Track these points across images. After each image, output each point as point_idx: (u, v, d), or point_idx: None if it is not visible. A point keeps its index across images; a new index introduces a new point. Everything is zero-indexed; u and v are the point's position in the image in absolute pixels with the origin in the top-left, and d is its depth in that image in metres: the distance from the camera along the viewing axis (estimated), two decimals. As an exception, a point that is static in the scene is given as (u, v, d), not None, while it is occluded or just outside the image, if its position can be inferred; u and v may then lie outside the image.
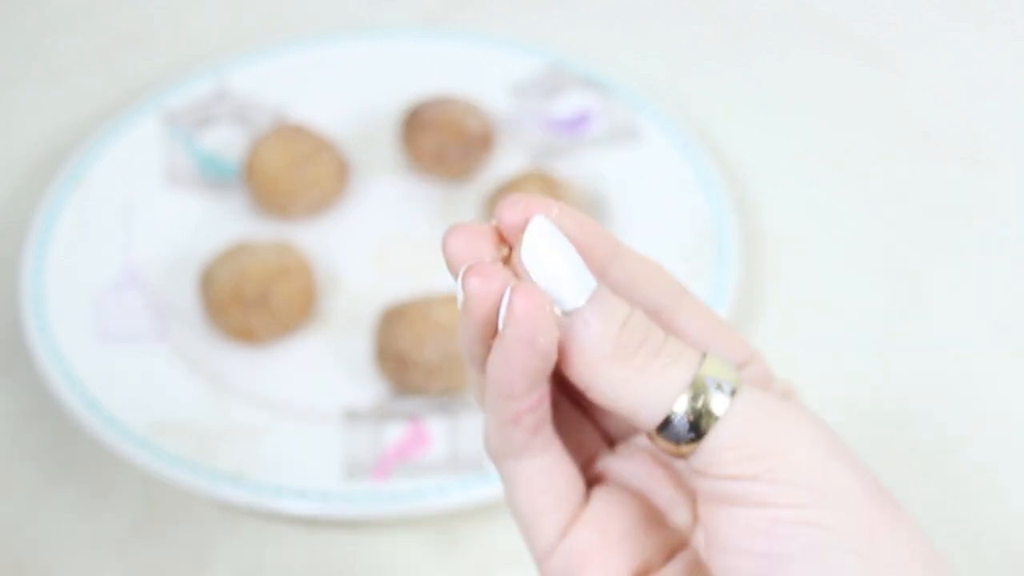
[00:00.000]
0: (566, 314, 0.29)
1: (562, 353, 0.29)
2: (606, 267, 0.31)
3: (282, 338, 0.62)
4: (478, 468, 0.57)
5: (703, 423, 0.29)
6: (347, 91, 0.74)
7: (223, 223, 0.68)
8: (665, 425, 0.29)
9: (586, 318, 0.29)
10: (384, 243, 0.68)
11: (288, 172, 0.66)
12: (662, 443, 0.30)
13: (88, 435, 0.59)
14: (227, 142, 0.71)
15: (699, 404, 0.29)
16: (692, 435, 0.29)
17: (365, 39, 0.76)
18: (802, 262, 0.68)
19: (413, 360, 0.58)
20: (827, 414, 0.64)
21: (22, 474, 0.59)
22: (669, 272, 0.33)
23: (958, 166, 0.73)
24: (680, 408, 0.29)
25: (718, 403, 0.29)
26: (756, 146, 0.73)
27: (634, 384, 0.29)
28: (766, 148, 0.73)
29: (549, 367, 0.30)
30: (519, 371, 0.29)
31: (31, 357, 0.61)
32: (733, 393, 0.29)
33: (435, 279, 0.65)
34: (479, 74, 0.73)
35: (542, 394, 0.31)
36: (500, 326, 0.29)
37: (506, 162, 0.70)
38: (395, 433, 0.59)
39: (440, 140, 0.67)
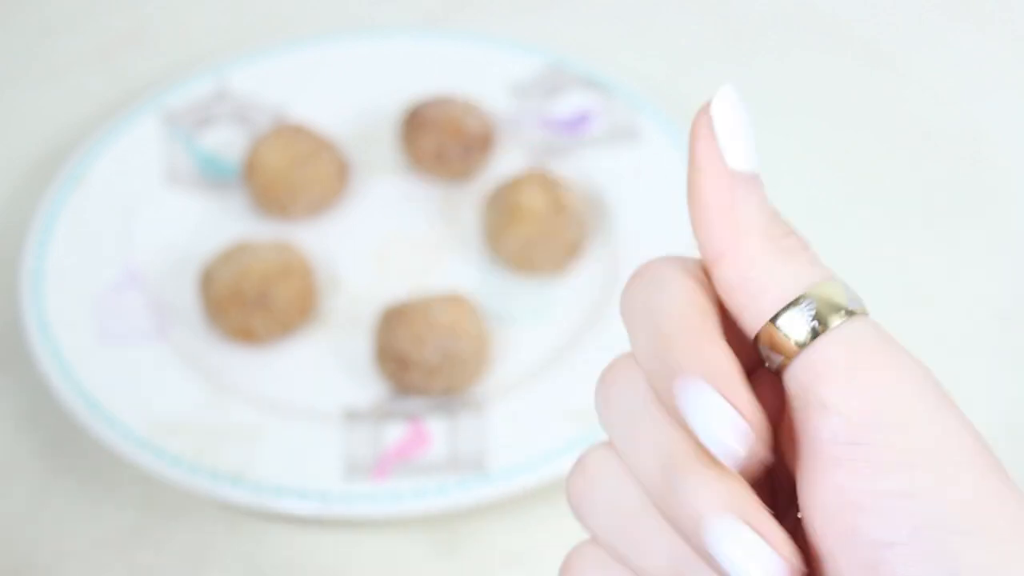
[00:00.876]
0: (733, 172, 0.29)
1: (715, 210, 0.29)
2: None
3: (282, 338, 0.62)
4: (478, 468, 0.57)
5: (818, 329, 0.28)
6: (347, 91, 0.74)
7: (223, 223, 0.68)
8: (776, 320, 0.28)
9: (751, 184, 0.29)
10: (384, 243, 0.68)
11: (288, 172, 0.66)
12: (774, 334, 0.28)
13: (88, 435, 0.59)
14: (227, 142, 0.71)
15: (824, 306, 0.28)
16: (809, 332, 0.28)
17: (365, 39, 0.76)
18: (802, 262, 0.68)
19: (413, 360, 0.58)
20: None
21: (22, 474, 0.59)
22: None
23: (958, 166, 0.73)
24: (795, 309, 0.28)
25: (837, 316, 0.28)
26: (757, 146, 0.73)
27: (774, 261, 0.28)
28: (766, 148, 0.73)
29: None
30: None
31: (31, 357, 0.61)
32: (851, 314, 0.28)
33: (435, 279, 0.65)
34: (479, 74, 0.73)
35: None
36: None
37: (506, 162, 0.70)
38: (395, 433, 0.59)
39: (440, 140, 0.67)
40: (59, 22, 0.81)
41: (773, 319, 0.28)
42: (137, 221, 0.67)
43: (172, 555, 0.57)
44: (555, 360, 0.62)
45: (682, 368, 0.28)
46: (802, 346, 0.28)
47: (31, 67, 0.79)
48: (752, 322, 0.29)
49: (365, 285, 0.65)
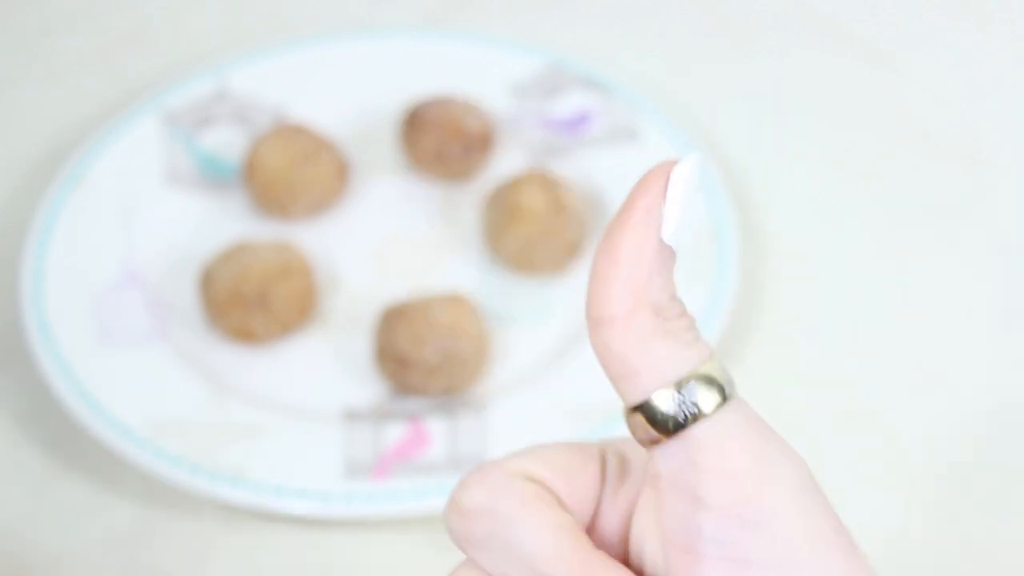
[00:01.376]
0: (658, 240, 0.29)
1: (626, 270, 0.28)
2: None
3: (282, 338, 0.62)
4: (478, 468, 0.57)
5: (695, 413, 0.28)
6: (347, 91, 0.74)
7: (223, 223, 0.68)
8: (652, 401, 0.28)
9: (669, 260, 0.29)
10: (384, 243, 0.68)
11: (288, 172, 0.66)
12: (641, 420, 0.28)
13: (88, 435, 0.59)
14: (227, 142, 0.71)
15: (699, 392, 0.28)
16: (679, 421, 0.28)
17: (365, 39, 0.76)
18: (802, 262, 0.68)
19: (413, 360, 0.58)
20: (827, 414, 0.64)
21: (22, 474, 0.59)
22: None
23: (958, 166, 0.73)
24: (674, 390, 0.28)
25: (711, 401, 0.28)
26: (756, 146, 0.73)
27: (661, 340, 0.28)
28: (766, 148, 0.73)
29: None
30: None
31: (31, 357, 0.61)
32: (726, 399, 0.28)
33: (435, 279, 0.65)
34: (479, 74, 0.73)
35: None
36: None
37: (506, 162, 0.70)
38: (395, 433, 0.59)
39: (440, 140, 0.67)
40: (59, 22, 0.81)
41: (650, 399, 0.28)
42: (137, 221, 0.67)
43: (172, 555, 0.57)
44: (555, 360, 0.62)
45: None
46: (678, 427, 0.28)
47: (31, 67, 0.79)
48: (627, 395, 0.28)
49: (365, 285, 0.65)
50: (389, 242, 0.68)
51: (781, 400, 0.62)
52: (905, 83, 0.77)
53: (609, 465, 0.31)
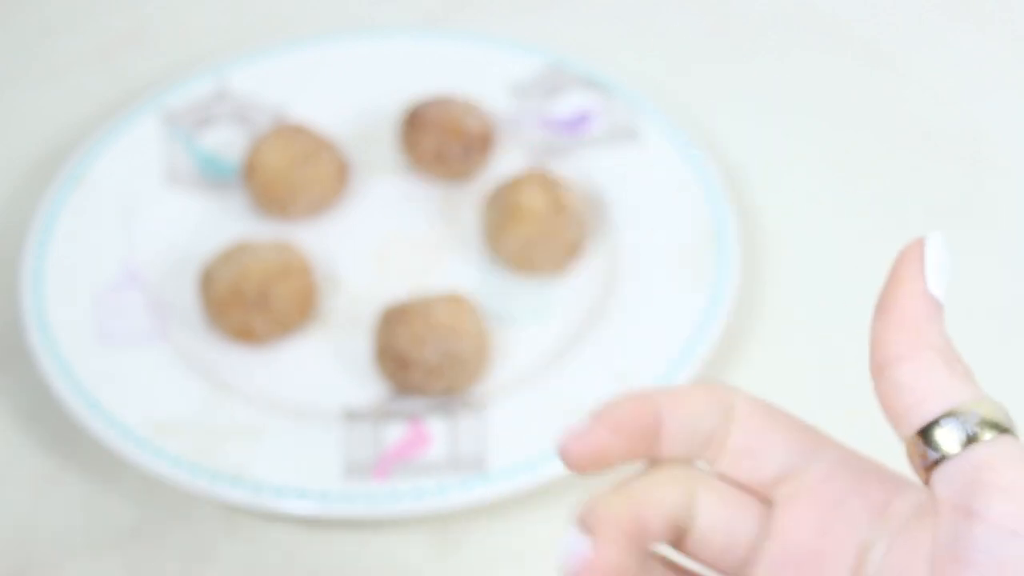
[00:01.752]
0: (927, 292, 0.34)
1: (906, 319, 0.33)
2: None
3: (282, 338, 0.62)
4: (478, 468, 0.57)
5: (973, 438, 0.30)
6: (347, 91, 0.74)
7: (223, 223, 0.68)
8: (936, 426, 0.31)
9: (939, 311, 0.33)
10: (384, 243, 0.68)
11: (288, 172, 0.66)
12: (920, 445, 0.31)
13: (88, 435, 0.59)
14: (227, 142, 0.71)
15: (982, 421, 0.30)
16: (963, 440, 0.30)
17: (365, 39, 0.76)
18: (802, 262, 0.68)
19: (413, 360, 0.58)
20: (828, 413, 0.64)
21: (22, 474, 0.59)
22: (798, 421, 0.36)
23: (958, 166, 0.73)
24: (957, 417, 0.30)
25: (991, 431, 0.30)
26: (756, 146, 0.73)
27: (945, 374, 0.31)
28: (766, 148, 0.73)
29: None
30: None
31: (31, 357, 0.61)
32: (1005, 431, 0.30)
33: (435, 279, 0.65)
34: (479, 74, 0.73)
35: None
36: None
37: (506, 162, 0.70)
38: (395, 433, 0.59)
39: (440, 140, 0.67)
40: (59, 22, 0.81)
41: (934, 423, 0.31)
42: (137, 221, 0.67)
43: (172, 555, 0.57)
44: (555, 360, 0.62)
45: None
46: (954, 454, 0.30)
47: (31, 67, 0.79)
48: (913, 421, 0.31)
49: (365, 285, 0.65)
50: (389, 242, 0.68)
51: (781, 400, 0.62)
52: (905, 83, 0.77)
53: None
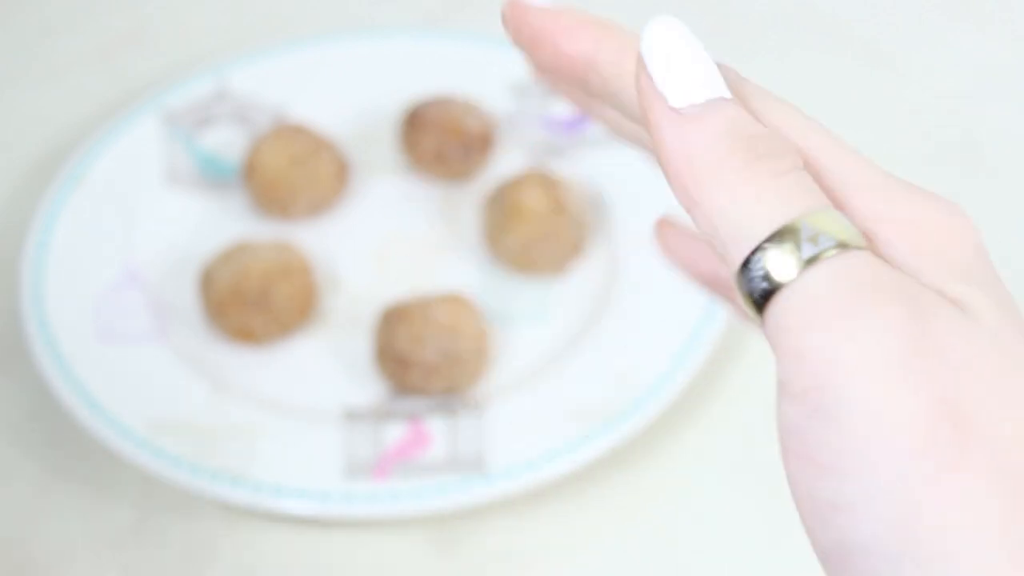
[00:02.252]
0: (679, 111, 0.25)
1: (677, 159, 0.26)
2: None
3: (282, 338, 0.62)
4: (478, 468, 0.57)
5: (772, 285, 0.24)
6: (347, 91, 0.74)
7: (223, 223, 0.68)
8: (739, 278, 0.24)
9: (703, 116, 0.26)
10: (384, 243, 0.68)
11: (288, 172, 0.66)
12: (741, 292, 0.24)
13: (88, 435, 0.59)
14: (227, 142, 0.71)
15: (776, 258, 0.23)
16: (761, 297, 0.24)
17: (365, 39, 0.76)
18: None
19: (413, 360, 0.58)
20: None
21: (22, 474, 0.59)
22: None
23: (958, 166, 0.73)
24: (757, 259, 0.24)
25: (790, 266, 0.23)
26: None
27: (739, 201, 0.24)
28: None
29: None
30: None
31: (31, 357, 0.61)
32: (818, 257, 0.23)
33: (435, 279, 0.65)
34: (479, 74, 0.73)
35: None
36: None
37: (506, 162, 0.70)
38: (395, 433, 0.59)
39: (440, 140, 0.67)
40: (59, 22, 0.81)
41: (738, 275, 0.24)
42: (137, 221, 0.67)
43: (172, 555, 0.57)
44: (555, 360, 0.62)
45: None
46: (761, 305, 0.24)
47: (31, 67, 0.79)
48: (730, 269, 0.25)
49: (365, 285, 0.65)
50: (389, 242, 0.68)
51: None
52: (905, 83, 0.77)
53: None
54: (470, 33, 0.77)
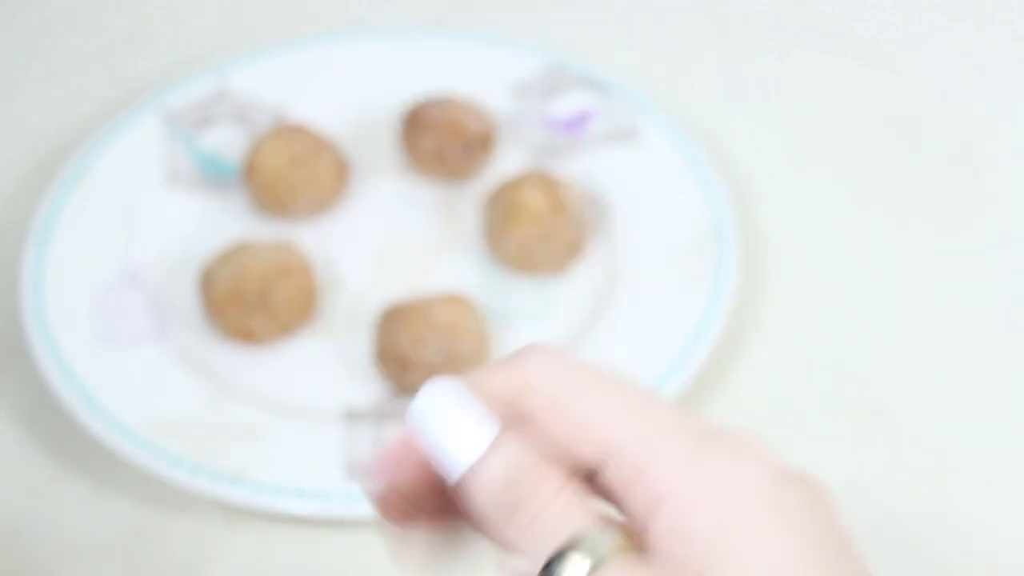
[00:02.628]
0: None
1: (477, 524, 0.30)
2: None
3: (282, 338, 0.62)
4: (478, 468, 0.57)
5: None
6: (347, 91, 0.74)
7: (223, 223, 0.68)
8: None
9: (470, 481, 0.29)
10: (384, 243, 0.68)
11: (288, 172, 0.66)
12: None
13: (88, 435, 0.59)
14: (227, 142, 0.71)
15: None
16: None
17: (365, 39, 0.76)
18: (802, 261, 0.68)
19: (413, 360, 0.58)
20: (828, 413, 0.64)
21: (22, 474, 0.59)
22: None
23: (958, 166, 0.73)
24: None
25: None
26: (756, 146, 0.73)
27: (518, 547, 0.29)
28: (766, 148, 0.73)
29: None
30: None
31: (31, 357, 0.61)
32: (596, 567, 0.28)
33: (435, 279, 0.65)
34: (479, 74, 0.73)
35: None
36: None
37: (506, 162, 0.70)
38: (395, 433, 0.59)
39: (440, 140, 0.67)
40: (59, 22, 0.81)
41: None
42: (137, 221, 0.67)
43: (172, 555, 0.57)
44: (555, 360, 0.62)
45: None
46: None
47: (31, 67, 0.79)
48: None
49: (365, 285, 0.65)
50: (389, 242, 0.68)
51: (781, 399, 0.62)
52: (905, 83, 0.77)
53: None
54: (470, 33, 0.77)
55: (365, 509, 0.56)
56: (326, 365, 0.62)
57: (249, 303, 0.60)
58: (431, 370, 0.58)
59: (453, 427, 0.29)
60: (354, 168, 0.70)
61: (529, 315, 0.64)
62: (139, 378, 0.60)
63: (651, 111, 0.71)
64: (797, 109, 0.76)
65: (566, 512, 0.28)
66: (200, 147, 0.71)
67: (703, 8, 0.82)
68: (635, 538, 0.28)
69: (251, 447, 0.58)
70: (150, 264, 0.66)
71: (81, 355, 0.60)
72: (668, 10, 0.82)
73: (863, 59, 0.78)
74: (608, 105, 0.72)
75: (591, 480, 0.30)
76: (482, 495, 0.29)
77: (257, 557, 0.57)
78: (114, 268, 0.65)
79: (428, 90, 0.70)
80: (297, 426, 0.59)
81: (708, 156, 0.69)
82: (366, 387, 0.61)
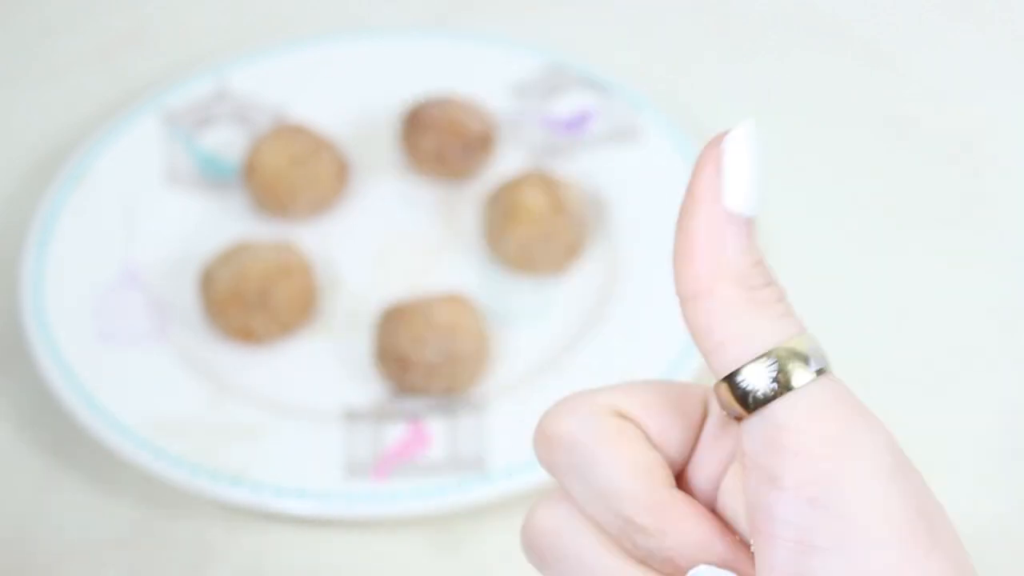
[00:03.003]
0: (727, 211, 0.28)
1: (701, 246, 0.28)
2: None
3: (282, 338, 0.62)
4: (478, 468, 0.57)
5: (778, 389, 0.27)
6: (347, 91, 0.74)
7: (223, 223, 0.67)
8: (737, 375, 0.28)
9: (742, 228, 0.28)
10: (384, 243, 0.68)
11: (288, 172, 0.66)
12: (727, 394, 0.28)
13: (88, 435, 0.59)
14: (227, 142, 0.71)
15: (787, 365, 0.27)
16: (763, 396, 0.27)
17: (365, 39, 0.76)
18: (802, 261, 0.68)
19: (413, 360, 0.58)
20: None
21: (22, 474, 0.59)
22: None
23: (958, 166, 0.73)
24: (758, 364, 0.27)
25: (800, 376, 0.27)
26: (756, 146, 0.73)
27: (745, 312, 0.28)
28: (766, 148, 0.73)
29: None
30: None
31: (31, 357, 0.61)
32: (819, 372, 0.28)
33: (435, 279, 0.65)
34: (479, 74, 0.73)
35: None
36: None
37: (506, 162, 0.70)
38: (395, 433, 0.59)
39: (440, 140, 0.67)
40: (59, 22, 0.81)
41: (736, 372, 0.28)
42: (137, 221, 0.67)
43: (172, 555, 0.57)
44: (555, 360, 0.62)
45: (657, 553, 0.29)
46: (761, 403, 0.27)
47: (31, 67, 0.79)
48: (715, 368, 0.28)
49: (365, 285, 0.65)
50: (389, 242, 0.68)
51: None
52: (905, 83, 0.77)
53: (712, 410, 0.31)
54: (470, 33, 0.77)
55: (365, 509, 0.56)
56: (326, 365, 0.62)
57: (249, 303, 0.60)
58: (431, 370, 0.58)
59: (749, 176, 0.30)
60: (354, 168, 0.70)
61: (529, 315, 0.64)
62: (139, 378, 0.60)
63: (651, 111, 0.71)
64: (797, 109, 0.76)
65: (793, 312, 0.29)
66: (200, 147, 0.71)
67: (703, 8, 0.82)
68: None
69: (251, 447, 0.58)
70: (150, 264, 0.66)
71: (81, 355, 0.60)
72: (668, 10, 0.82)
73: (863, 59, 0.78)
74: (608, 105, 0.72)
75: None
76: (743, 250, 0.29)
77: (257, 557, 0.57)
78: (114, 268, 0.65)
79: (428, 90, 0.70)
80: (297, 426, 0.59)
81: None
82: (366, 387, 0.61)
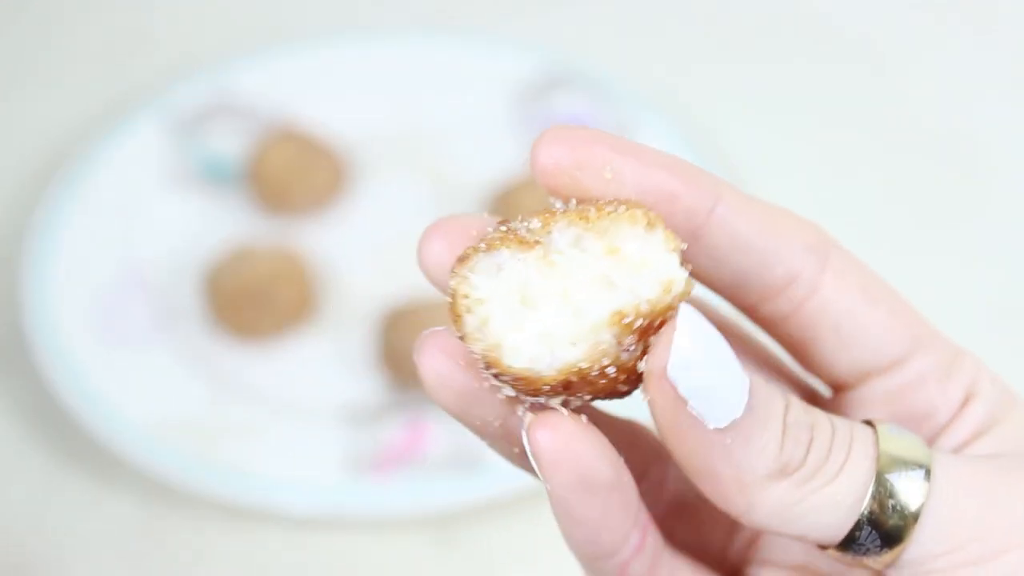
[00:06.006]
0: (717, 431, 0.24)
1: (710, 477, 0.24)
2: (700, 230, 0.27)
3: (283, 338, 0.62)
4: (478, 468, 0.57)
5: (898, 528, 0.24)
6: (347, 91, 0.74)
7: (224, 223, 0.68)
8: (849, 539, 0.25)
9: (743, 433, 0.24)
10: (384, 243, 0.68)
11: (288, 172, 0.66)
12: (847, 559, 0.25)
13: (89, 435, 0.59)
14: (227, 142, 0.71)
15: (889, 505, 0.24)
16: (885, 546, 0.25)
17: (365, 39, 0.76)
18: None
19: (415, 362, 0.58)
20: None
21: (23, 474, 0.59)
22: (795, 216, 0.28)
23: (958, 166, 0.73)
24: (865, 513, 0.24)
25: (911, 494, 0.24)
26: (756, 146, 0.73)
27: (805, 504, 0.24)
28: (766, 148, 0.73)
29: (629, 501, 0.25)
30: (592, 521, 0.25)
31: (32, 357, 0.61)
32: (927, 474, 0.25)
33: (435, 279, 0.65)
34: (479, 74, 0.73)
35: (642, 528, 0.26)
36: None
37: (506, 163, 0.70)
38: (395, 432, 0.59)
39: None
40: (60, 22, 0.81)
41: (847, 543, 0.25)
42: (138, 221, 0.67)
43: (172, 553, 0.57)
44: (555, 360, 0.62)
45: None
46: (888, 553, 0.25)
47: (31, 67, 0.79)
48: (820, 545, 0.26)
49: (365, 285, 0.65)
50: (389, 242, 0.68)
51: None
52: (905, 84, 0.77)
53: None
54: (470, 33, 0.77)
55: (365, 509, 0.56)
56: (327, 365, 0.62)
57: (251, 303, 0.60)
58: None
59: (718, 382, 0.24)
60: (354, 168, 0.70)
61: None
62: (140, 377, 0.60)
63: (651, 111, 0.71)
64: (797, 109, 0.76)
65: (854, 434, 0.25)
66: (200, 147, 0.71)
67: (703, 8, 0.82)
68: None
69: (252, 446, 0.58)
70: (151, 264, 0.66)
71: (83, 355, 0.60)
72: (668, 10, 0.82)
73: (863, 60, 0.78)
74: (608, 105, 0.72)
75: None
76: (764, 441, 0.24)
77: (257, 556, 0.57)
78: (115, 268, 0.65)
79: (428, 90, 0.70)
80: (298, 425, 0.59)
81: (708, 156, 0.69)
82: (366, 386, 0.61)
